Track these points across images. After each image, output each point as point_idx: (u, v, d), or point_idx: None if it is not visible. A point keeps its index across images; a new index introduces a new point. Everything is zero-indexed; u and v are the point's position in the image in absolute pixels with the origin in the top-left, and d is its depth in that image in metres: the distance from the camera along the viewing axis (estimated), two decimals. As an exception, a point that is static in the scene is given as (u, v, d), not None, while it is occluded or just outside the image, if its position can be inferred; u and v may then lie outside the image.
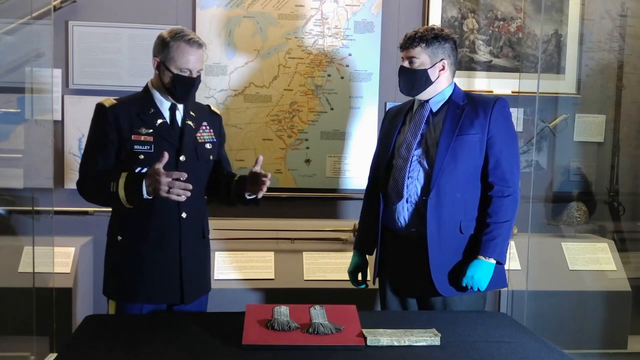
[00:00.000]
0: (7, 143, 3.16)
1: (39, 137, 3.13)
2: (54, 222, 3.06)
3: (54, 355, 2.99)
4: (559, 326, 3.21)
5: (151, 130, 2.21)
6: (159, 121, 2.24)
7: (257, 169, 2.23)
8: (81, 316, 2.87)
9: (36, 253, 2.92)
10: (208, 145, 2.35)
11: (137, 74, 3.26)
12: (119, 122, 2.20)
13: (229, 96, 3.37)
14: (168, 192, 2.04)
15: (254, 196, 2.27)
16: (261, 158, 2.25)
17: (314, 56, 3.39)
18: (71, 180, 3.30)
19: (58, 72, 3.25)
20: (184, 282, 2.26)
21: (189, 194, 2.07)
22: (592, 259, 3.41)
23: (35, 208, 3.07)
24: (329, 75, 3.41)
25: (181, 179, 2.04)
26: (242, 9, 3.34)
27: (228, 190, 2.37)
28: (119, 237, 2.24)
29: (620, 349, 3.31)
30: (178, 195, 2.05)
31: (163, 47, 2.20)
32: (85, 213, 3.28)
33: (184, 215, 2.24)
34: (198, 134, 2.32)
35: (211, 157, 2.37)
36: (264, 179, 2.20)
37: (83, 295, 3.22)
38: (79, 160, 3.26)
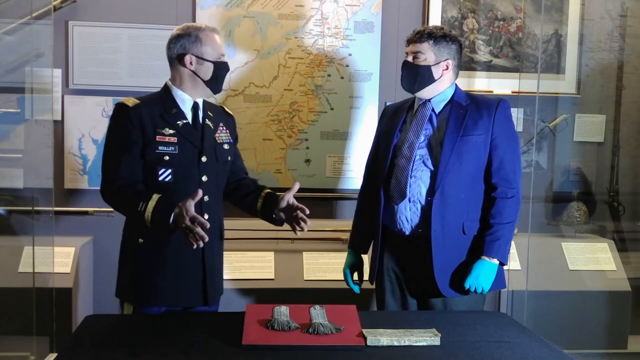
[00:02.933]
0: (7, 143, 3.16)
1: (39, 137, 3.13)
2: (54, 222, 3.06)
3: (54, 355, 2.99)
4: (559, 326, 3.21)
5: (174, 131, 2.17)
6: (182, 122, 2.20)
7: (291, 199, 2.16)
8: (81, 316, 2.87)
9: (36, 253, 2.92)
10: (226, 146, 2.32)
11: (137, 74, 3.26)
12: (143, 122, 2.14)
13: (229, 96, 3.37)
14: (186, 232, 1.97)
15: (279, 219, 2.22)
16: (297, 186, 2.18)
17: (314, 56, 3.39)
18: (71, 181, 3.30)
19: (58, 72, 3.25)
20: (208, 284, 2.24)
21: (201, 244, 1.97)
22: (592, 259, 3.41)
23: (35, 208, 3.06)
24: (329, 75, 3.41)
25: (205, 225, 1.95)
26: (242, 9, 3.34)
27: (252, 202, 2.32)
28: (140, 240, 2.19)
29: (620, 349, 3.31)
30: (194, 239, 1.96)
31: (194, 42, 2.18)
32: (85, 213, 3.28)
33: (206, 216, 2.18)
34: (216, 135, 2.30)
35: (229, 158, 2.34)
36: (299, 212, 2.13)
37: (83, 295, 3.22)
38: (80, 161, 3.32)
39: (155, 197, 2.07)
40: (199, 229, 1.94)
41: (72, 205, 3.27)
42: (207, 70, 2.20)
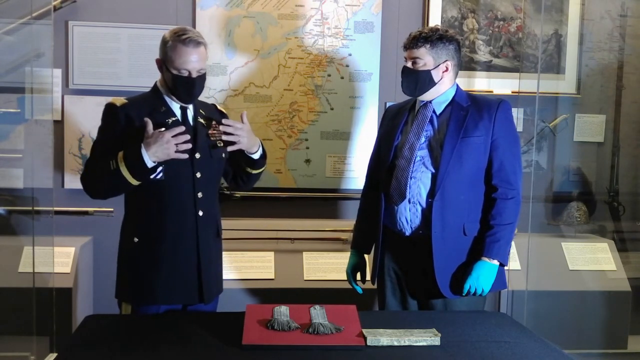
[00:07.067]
0: (7, 143, 3.16)
1: (39, 137, 3.13)
2: (54, 222, 3.06)
3: (54, 355, 2.99)
4: (559, 326, 3.21)
5: (164, 129, 2.17)
6: (171, 120, 2.22)
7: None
8: (81, 316, 2.86)
9: (36, 253, 2.92)
10: (219, 143, 2.33)
11: (137, 74, 3.26)
12: (131, 121, 2.17)
13: (229, 96, 3.37)
14: (177, 150, 2.08)
15: (252, 154, 2.30)
16: (244, 115, 2.30)
17: (314, 56, 3.39)
18: (71, 181, 3.30)
19: (58, 72, 3.25)
20: (203, 282, 2.24)
21: (190, 145, 2.11)
22: (592, 259, 3.41)
23: (35, 208, 3.06)
24: (329, 75, 3.41)
25: (181, 129, 2.10)
26: (242, 9, 3.34)
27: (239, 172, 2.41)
28: (136, 239, 2.21)
29: (620, 349, 3.32)
30: (184, 151, 2.09)
31: (163, 48, 2.20)
32: (85, 213, 3.28)
33: (200, 213, 2.22)
34: (210, 132, 2.31)
35: (223, 155, 2.35)
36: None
37: (83, 295, 3.22)
38: (79, 161, 3.31)
39: (121, 152, 2.12)
40: (182, 137, 2.09)
41: (72, 205, 3.26)
42: (169, 79, 2.21)
